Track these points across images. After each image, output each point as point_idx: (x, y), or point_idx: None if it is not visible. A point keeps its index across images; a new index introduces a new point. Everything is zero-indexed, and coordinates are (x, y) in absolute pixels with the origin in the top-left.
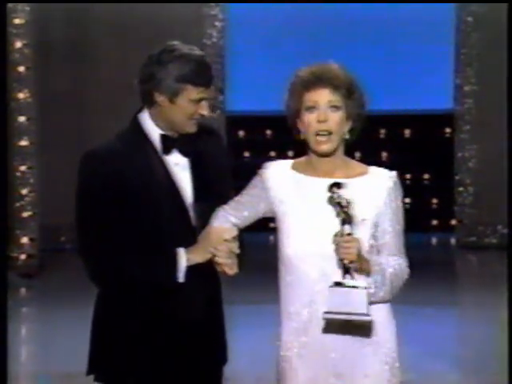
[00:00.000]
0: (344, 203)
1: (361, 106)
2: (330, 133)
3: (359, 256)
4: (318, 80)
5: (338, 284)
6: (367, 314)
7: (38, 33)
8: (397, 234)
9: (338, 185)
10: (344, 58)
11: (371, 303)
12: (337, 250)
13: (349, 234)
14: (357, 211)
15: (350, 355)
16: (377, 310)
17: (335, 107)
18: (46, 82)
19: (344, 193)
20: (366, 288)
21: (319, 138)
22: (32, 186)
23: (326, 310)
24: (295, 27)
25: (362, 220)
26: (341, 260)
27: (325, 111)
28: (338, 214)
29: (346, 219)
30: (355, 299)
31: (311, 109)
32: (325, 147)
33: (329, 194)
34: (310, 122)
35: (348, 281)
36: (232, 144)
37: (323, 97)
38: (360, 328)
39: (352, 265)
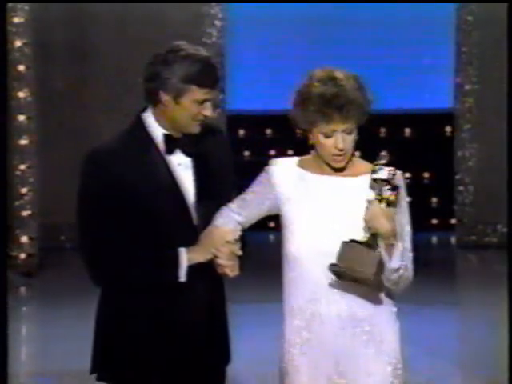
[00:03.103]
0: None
1: (368, 115)
2: (344, 154)
3: (374, 221)
4: (337, 114)
5: (352, 241)
6: (374, 275)
7: (37, 32)
8: (403, 231)
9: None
10: (344, 58)
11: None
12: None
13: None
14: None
15: (353, 354)
16: (382, 311)
17: (350, 131)
18: (46, 80)
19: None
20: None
21: (335, 159)
22: (32, 184)
23: (334, 262)
24: (295, 26)
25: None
26: (364, 221)
27: (342, 138)
28: (374, 185)
29: (381, 187)
30: (365, 258)
31: (327, 134)
32: (339, 165)
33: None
34: (326, 145)
35: (362, 240)
36: (232, 143)
37: (339, 127)
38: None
39: (371, 230)
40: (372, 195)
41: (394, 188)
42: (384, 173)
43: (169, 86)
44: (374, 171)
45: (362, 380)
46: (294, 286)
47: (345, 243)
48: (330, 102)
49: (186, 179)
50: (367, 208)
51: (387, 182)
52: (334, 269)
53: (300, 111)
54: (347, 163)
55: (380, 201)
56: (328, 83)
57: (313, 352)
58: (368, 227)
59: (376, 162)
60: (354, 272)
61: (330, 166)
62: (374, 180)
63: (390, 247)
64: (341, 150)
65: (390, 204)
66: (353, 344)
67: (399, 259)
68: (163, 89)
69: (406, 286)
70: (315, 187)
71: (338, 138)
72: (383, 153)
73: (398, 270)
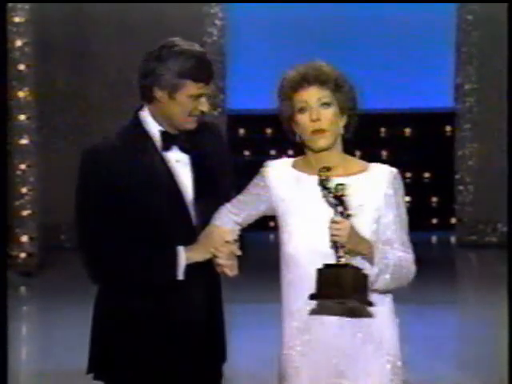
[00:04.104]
0: (331, 186)
1: (351, 99)
2: (324, 130)
3: (353, 238)
4: (304, 79)
5: (328, 266)
6: (355, 296)
7: (38, 31)
8: (400, 229)
9: (326, 168)
10: (344, 57)
11: (370, 291)
12: (330, 233)
13: (344, 217)
14: (355, 200)
15: (352, 353)
16: (380, 309)
17: (326, 104)
18: (47, 80)
19: (333, 176)
20: (356, 268)
21: (314, 136)
22: (32, 184)
23: (313, 292)
24: (295, 26)
25: (359, 206)
26: (334, 244)
27: (316, 110)
28: (327, 198)
29: (336, 203)
30: (343, 281)
31: (302, 109)
32: (321, 143)
33: (318, 178)
34: (303, 122)
35: (338, 263)
36: (232, 142)
37: (312, 95)
38: (348, 310)
39: (344, 249)
40: (333, 212)
41: (344, 200)
42: (335, 188)
43: (163, 81)
44: (324, 188)
45: (361, 379)
46: (292, 288)
47: (317, 270)
48: (303, 74)
49: (185, 176)
50: (336, 229)
51: (339, 197)
52: (314, 299)
53: (279, 99)
54: (340, 161)
55: (347, 217)
56: (304, 64)
57: (313, 353)
58: (340, 246)
59: (321, 177)
60: (334, 299)
61: (319, 163)
62: (327, 196)
63: (369, 258)
64: (316, 121)
65: (335, 205)
66: (352, 343)
67: (378, 263)
68: (158, 85)
69: (404, 282)
70: (309, 188)
71: (312, 109)
72: (325, 166)
73: (378, 274)
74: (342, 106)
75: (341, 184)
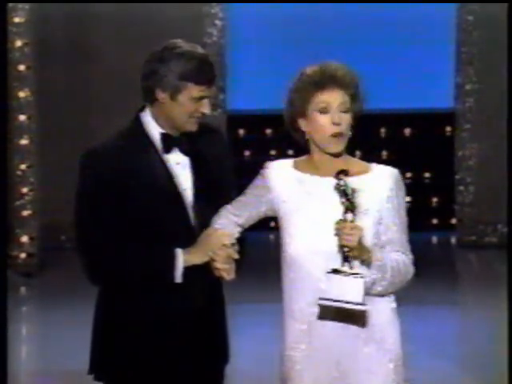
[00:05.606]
0: (349, 191)
1: (363, 106)
2: (342, 134)
3: (360, 244)
4: (331, 81)
5: (335, 271)
6: (361, 304)
7: (38, 31)
8: (400, 230)
9: (344, 172)
10: (344, 57)
11: (368, 294)
12: (338, 237)
13: (352, 222)
14: (360, 203)
15: (354, 353)
16: (382, 308)
17: (346, 109)
18: (46, 80)
19: (350, 181)
20: (363, 277)
21: (333, 140)
22: (32, 184)
23: (321, 296)
24: (296, 26)
25: (364, 210)
26: (341, 247)
27: (338, 114)
28: (342, 202)
29: (350, 207)
30: (351, 288)
31: (324, 110)
32: (338, 147)
33: (335, 181)
34: (323, 124)
35: (346, 268)
36: (232, 143)
37: (336, 99)
38: (353, 317)
39: (352, 253)
40: (341, 215)
41: (356, 205)
42: (352, 192)
43: (165, 83)
44: (342, 192)
45: (363, 379)
46: (294, 289)
47: (327, 274)
48: (327, 72)
49: (185, 178)
50: (348, 233)
51: (353, 202)
52: (321, 303)
53: (295, 92)
54: (343, 162)
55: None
56: (328, 64)
57: (316, 355)
58: (348, 250)
59: (340, 181)
60: (342, 304)
61: (323, 164)
62: (343, 200)
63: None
64: (337, 125)
65: (348, 209)
66: (354, 343)
67: (375, 272)
68: (160, 86)
69: (403, 285)
70: (311, 188)
71: (333, 112)
72: (343, 170)
73: (375, 282)
74: (356, 112)
75: (354, 189)
